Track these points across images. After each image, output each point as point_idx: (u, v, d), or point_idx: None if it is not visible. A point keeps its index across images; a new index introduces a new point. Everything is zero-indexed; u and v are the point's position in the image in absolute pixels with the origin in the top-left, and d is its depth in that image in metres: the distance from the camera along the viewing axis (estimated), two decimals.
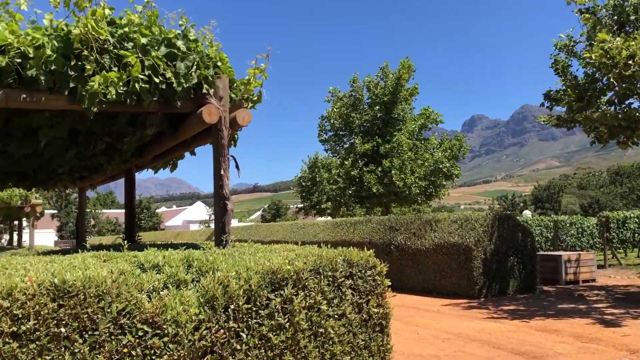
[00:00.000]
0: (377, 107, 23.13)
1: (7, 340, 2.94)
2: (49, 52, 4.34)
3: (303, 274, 3.75)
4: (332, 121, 23.94)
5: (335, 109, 23.73)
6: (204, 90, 4.98)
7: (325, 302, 3.82)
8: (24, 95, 4.43)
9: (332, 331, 3.83)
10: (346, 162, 22.93)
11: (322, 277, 3.85)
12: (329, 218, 34.33)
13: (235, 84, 5.38)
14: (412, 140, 22.88)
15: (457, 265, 12.05)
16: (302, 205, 45.30)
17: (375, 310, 4.08)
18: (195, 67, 4.91)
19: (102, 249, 5.42)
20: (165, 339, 3.23)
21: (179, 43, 4.86)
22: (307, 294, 3.75)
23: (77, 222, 11.68)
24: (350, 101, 23.88)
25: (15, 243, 26.78)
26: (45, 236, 52.93)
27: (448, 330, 8.43)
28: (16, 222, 26.60)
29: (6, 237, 48.44)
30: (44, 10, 4.61)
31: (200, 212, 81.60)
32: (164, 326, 3.24)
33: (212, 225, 61.36)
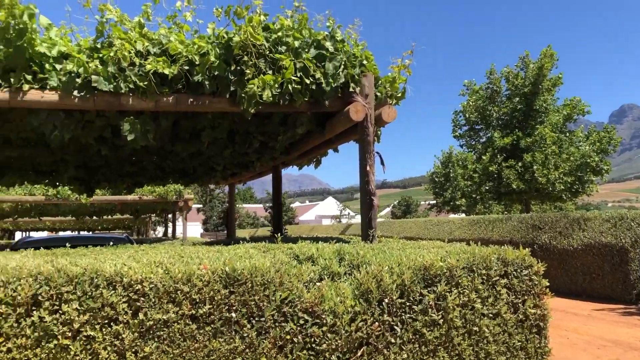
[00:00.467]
0: (517, 99, 21.92)
1: (187, 321, 3.26)
2: (212, 58, 4.72)
3: (456, 271, 3.71)
4: (467, 115, 23.10)
5: (471, 102, 22.88)
6: (351, 89, 5.11)
7: (479, 300, 3.76)
8: (191, 99, 4.87)
9: (486, 330, 3.75)
10: (484, 157, 22.02)
11: (475, 275, 3.78)
12: (463, 215, 33.35)
13: (380, 82, 5.44)
14: (556, 133, 21.38)
15: (610, 267, 11.15)
16: (434, 201, 44.36)
17: (532, 311, 3.92)
18: (342, 66, 5.06)
19: (256, 241, 5.78)
20: (324, 329, 3.38)
21: (327, 44, 5.03)
22: (461, 291, 3.71)
23: (227, 215, 12.53)
24: (487, 94, 22.86)
25: (169, 234, 29.27)
26: (193, 228, 57.33)
27: (603, 336, 7.83)
28: (170, 216, 29.04)
29: (160, 229, 53.33)
30: (205, 20, 5.01)
31: (331, 207, 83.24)
32: (322, 316, 3.39)
33: (344, 221, 62.40)
